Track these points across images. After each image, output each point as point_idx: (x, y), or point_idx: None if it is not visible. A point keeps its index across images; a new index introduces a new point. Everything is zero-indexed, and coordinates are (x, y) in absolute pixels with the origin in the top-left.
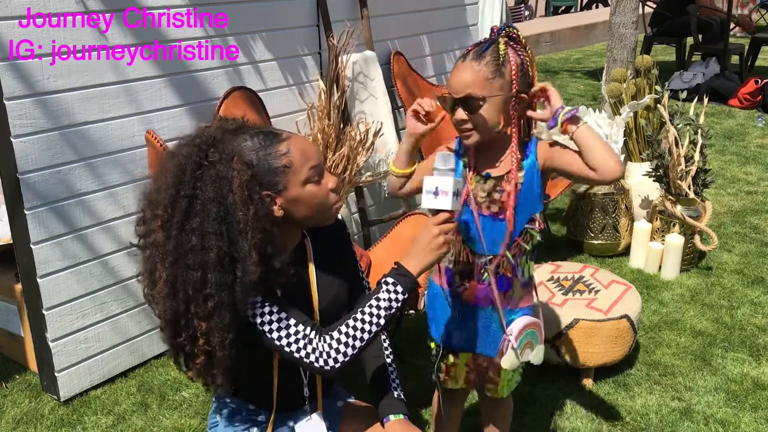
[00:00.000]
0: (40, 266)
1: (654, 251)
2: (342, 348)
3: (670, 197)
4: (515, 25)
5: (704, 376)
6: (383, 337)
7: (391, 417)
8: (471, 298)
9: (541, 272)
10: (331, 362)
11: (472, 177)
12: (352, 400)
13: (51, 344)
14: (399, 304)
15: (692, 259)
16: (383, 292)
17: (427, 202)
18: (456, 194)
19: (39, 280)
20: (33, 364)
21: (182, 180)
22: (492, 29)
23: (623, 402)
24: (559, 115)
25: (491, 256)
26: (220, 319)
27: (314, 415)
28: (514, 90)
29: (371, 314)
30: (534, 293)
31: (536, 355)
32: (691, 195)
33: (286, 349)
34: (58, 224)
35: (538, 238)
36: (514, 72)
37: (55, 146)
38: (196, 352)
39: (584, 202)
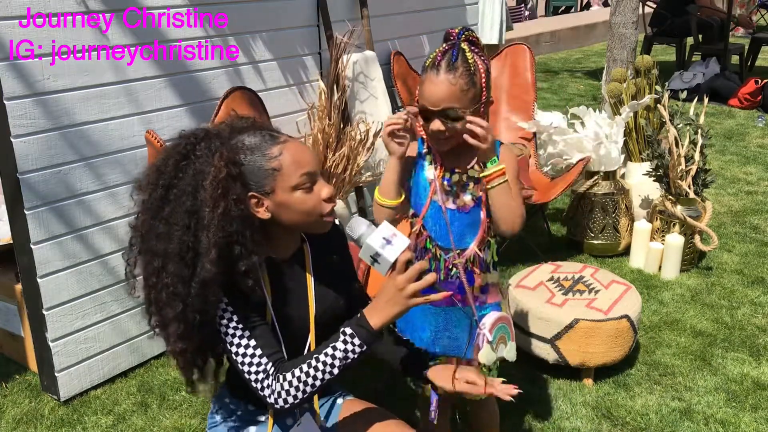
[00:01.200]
0: (40, 266)
1: (654, 251)
2: (292, 391)
3: (670, 197)
4: (516, 24)
5: (704, 376)
6: None
7: (430, 364)
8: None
9: (541, 272)
10: (281, 402)
11: (439, 173)
12: (350, 397)
13: (51, 344)
14: (356, 356)
15: (692, 259)
16: (341, 342)
17: (364, 257)
18: (387, 242)
19: (39, 280)
20: (33, 364)
21: (164, 170)
22: (450, 33)
23: (623, 402)
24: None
25: (459, 251)
26: (173, 310)
27: (303, 418)
28: (484, 97)
29: (325, 363)
30: (499, 290)
31: (509, 352)
32: (691, 195)
33: (245, 375)
34: (58, 224)
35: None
36: (483, 80)
37: (55, 146)
38: (167, 339)
39: (584, 202)
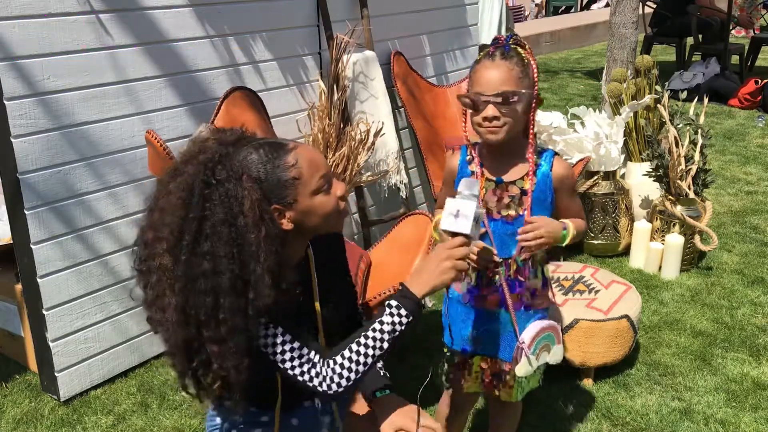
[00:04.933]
0: (40, 266)
1: (654, 251)
2: (345, 373)
3: (670, 197)
4: (516, 24)
5: (704, 376)
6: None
7: (377, 394)
8: (485, 301)
9: None
10: (334, 386)
11: (482, 182)
12: None
13: (51, 344)
14: (403, 327)
15: (692, 259)
16: (387, 315)
17: (446, 223)
18: (476, 220)
19: (39, 280)
20: (33, 364)
21: (190, 201)
22: (498, 39)
23: (623, 402)
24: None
25: (502, 260)
26: (234, 344)
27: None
28: (536, 91)
29: (374, 338)
30: (550, 294)
31: (554, 356)
32: (691, 195)
33: (290, 372)
34: (58, 224)
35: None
36: (535, 73)
37: (55, 146)
38: (212, 377)
39: (584, 202)
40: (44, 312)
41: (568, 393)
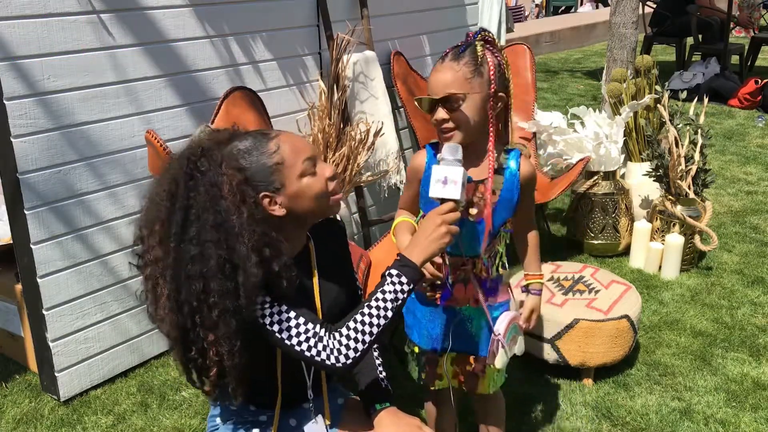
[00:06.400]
0: (40, 266)
1: (654, 251)
2: (352, 344)
3: (670, 197)
4: (516, 24)
5: (704, 376)
6: None
7: (377, 406)
8: (453, 299)
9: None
10: (342, 359)
11: None
12: (351, 396)
13: (51, 344)
14: (405, 295)
15: (692, 259)
16: (388, 284)
17: (435, 191)
18: (463, 185)
19: (39, 280)
20: (33, 364)
21: (176, 193)
22: (467, 35)
23: (623, 402)
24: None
25: (467, 258)
26: (226, 327)
27: (319, 418)
28: (493, 89)
29: (378, 308)
30: (508, 288)
31: (519, 347)
32: (691, 195)
33: (296, 348)
34: (58, 224)
35: (507, 240)
36: (492, 71)
37: (55, 146)
38: (209, 364)
39: (584, 202)
40: (44, 312)
41: (568, 393)
